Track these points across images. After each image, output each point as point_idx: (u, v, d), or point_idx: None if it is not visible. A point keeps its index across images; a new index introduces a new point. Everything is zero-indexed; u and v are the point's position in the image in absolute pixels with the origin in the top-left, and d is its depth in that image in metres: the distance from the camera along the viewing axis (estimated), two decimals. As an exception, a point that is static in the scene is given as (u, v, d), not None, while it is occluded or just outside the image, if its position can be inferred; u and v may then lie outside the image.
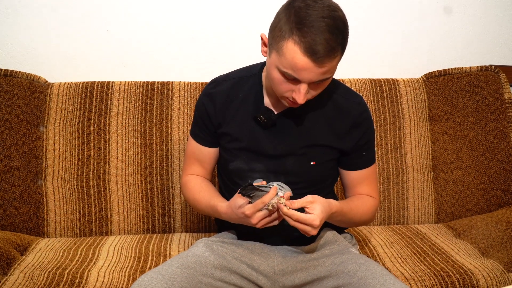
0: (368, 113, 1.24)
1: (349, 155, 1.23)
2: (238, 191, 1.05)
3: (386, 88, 1.72)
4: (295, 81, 1.05)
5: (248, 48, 1.62)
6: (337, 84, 1.23)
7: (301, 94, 1.04)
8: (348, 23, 1.04)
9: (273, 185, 1.06)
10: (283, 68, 1.04)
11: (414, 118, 1.71)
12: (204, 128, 1.27)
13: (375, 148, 1.38)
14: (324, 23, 0.99)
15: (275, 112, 1.19)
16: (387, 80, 1.73)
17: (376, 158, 1.62)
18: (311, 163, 1.20)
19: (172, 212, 1.63)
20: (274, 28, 1.06)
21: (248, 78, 1.23)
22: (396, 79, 1.74)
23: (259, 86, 1.22)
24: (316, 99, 1.15)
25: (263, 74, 1.21)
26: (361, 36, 1.81)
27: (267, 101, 1.22)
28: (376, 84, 1.72)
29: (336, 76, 1.28)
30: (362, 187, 1.26)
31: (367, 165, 1.26)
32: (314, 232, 1.05)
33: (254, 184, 1.05)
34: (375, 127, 1.64)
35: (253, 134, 1.18)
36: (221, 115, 1.24)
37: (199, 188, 1.26)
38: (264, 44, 1.12)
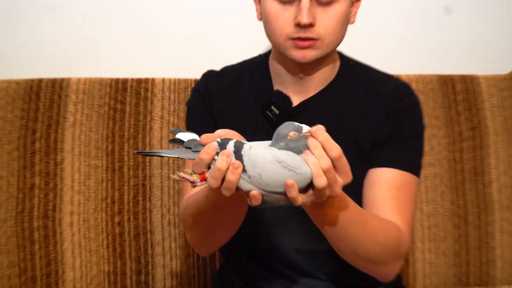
0: (413, 98, 1.21)
1: (379, 148, 1.18)
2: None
3: (462, 89, 1.58)
4: (293, 3, 1.11)
5: (254, 32, 1.45)
6: (372, 70, 1.24)
7: (303, 11, 1.08)
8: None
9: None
10: None
11: (502, 131, 1.59)
12: (205, 123, 1.25)
13: (422, 159, 1.23)
14: None
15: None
16: (463, 76, 1.59)
17: (449, 189, 1.54)
18: None
19: (150, 267, 1.51)
20: None
21: (251, 70, 1.26)
22: (475, 75, 1.60)
23: (267, 75, 1.23)
24: (343, 86, 1.19)
25: (270, 62, 1.23)
26: (426, 18, 1.71)
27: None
28: (447, 82, 1.58)
29: (390, 70, 1.27)
30: (386, 204, 1.15)
31: (400, 166, 1.17)
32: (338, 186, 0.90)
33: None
34: (446, 143, 1.55)
35: (260, 138, 1.05)
36: (219, 112, 1.24)
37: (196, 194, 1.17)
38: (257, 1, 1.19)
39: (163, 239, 1.49)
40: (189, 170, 0.90)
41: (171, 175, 0.93)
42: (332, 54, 1.16)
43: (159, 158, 1.51)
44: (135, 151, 0.96)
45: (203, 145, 0.87)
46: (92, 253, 1.49)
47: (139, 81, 1.54)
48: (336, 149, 0.87)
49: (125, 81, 1.53)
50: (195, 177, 0.89)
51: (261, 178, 0.85)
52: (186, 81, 1.54)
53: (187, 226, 1.21)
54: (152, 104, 1.52)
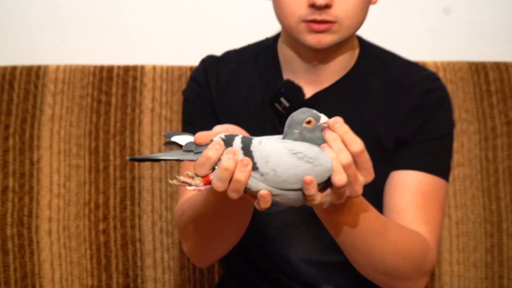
0: (442, 91, 1.20)
1: (402, 148, 1.17)
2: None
3: (496, 78, 1.54)
4: None
5: (259, 12, 1.46)
6: (396, 59, 1.24)
7: None
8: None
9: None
10: None
11: (542, 127, 1.56)
12: (204, 116, 1.24)
13: (451, 160, 1.23)
14: None
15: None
16: (497, 64, 1.54)
17: (481, 192, 1.50)
18: None
19: (140, 281, 1.48)
20: None
21: (257, 56, 1.25)
22: (511, 62, 1.56)
23: (275, 62, 1.22)
24: (362, 77, 1.19)
25: (278, 47, 1.22)
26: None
27: None
28: (479, 70, 1.54)
29: (414, 56, 1.31)
30: (409, 213, 1.15)
31: (427, 169, 1.16)
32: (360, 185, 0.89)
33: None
34: (477, 140, 1.52)
35: (266, 134, 1.07)
36: (220, 104, 1.22)
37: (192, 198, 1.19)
38: None
39: (154, 249, 1.46)
40: (190, 173, 0.86)
41: (169, 180, 0.92)
42: (351, 39, 1.13)
43: (150, 157, 1.48)
44: (128, 158, 0.94)
45: (206, 146, 0.86)
46: (74, 265, 1.46)
47: (126, 69, 1.50)
48: (357, 143, 0.85)
49: (110, 68, 1.49)
50: (197, 181, 0.86)
51: (276, 174, 0.84)
52: (180, 68, 1.49)
53: (183, 234, 1.19)
54: (141, 95, 1.49)
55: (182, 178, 0.85)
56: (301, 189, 0.84)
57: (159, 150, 1.49)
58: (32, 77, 1.48)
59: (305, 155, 0.83)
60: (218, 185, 0.84)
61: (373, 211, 1.02)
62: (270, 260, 1.18)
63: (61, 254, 1.45)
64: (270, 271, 1.17)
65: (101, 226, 1.45)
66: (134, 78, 1.49)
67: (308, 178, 0.84)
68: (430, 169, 1.15)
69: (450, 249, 1.48)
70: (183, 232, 1.18)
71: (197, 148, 0.85)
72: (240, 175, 0.83)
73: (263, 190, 0.84)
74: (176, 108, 1.47)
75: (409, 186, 1.15)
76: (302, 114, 0.86)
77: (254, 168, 0.83)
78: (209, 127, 1.17)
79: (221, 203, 1.01)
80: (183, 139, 0.88)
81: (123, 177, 1.47)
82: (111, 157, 1.48)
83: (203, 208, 1.07)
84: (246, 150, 0.85)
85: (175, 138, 0.87)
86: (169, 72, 1.50)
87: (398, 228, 1.09)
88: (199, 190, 0.86)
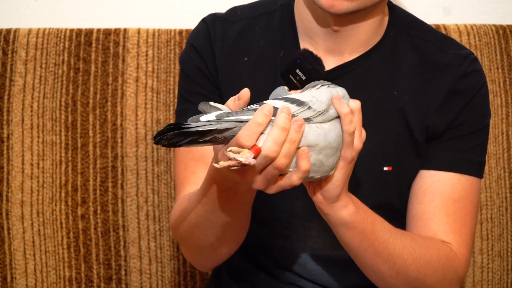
0: (480, 74, 1.16)
1: (434, 143, 1.15)
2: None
3: None
4: None
5: None
6: (429, 31, 1.22)
7: None
8: None
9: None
10: None
11: None
12: (204, 94, 1.20)
13: (486, 154, 1.21)
14: None
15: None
16: None
17: (507, 173, 1.47)
18: (384, 168, 1.15)
19: (123, 273, 1.46)
20: None
21: (269, 15, 1.21)
22: None
23: (291, 25, 1.18)
24: (393, 51, 1.17)
25: (295, 3, 1.19)
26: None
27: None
28: (507, 34, 1.51)
29: (435, 19, 1.36)
30: (437, 222, 1.14)
31: (462, 169, 1.14)
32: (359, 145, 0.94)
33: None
34: (504, 114, 1.49)
35: None
36: (224, 73, 1.19)
37: (188, 196, 1.17)
38: None
39: (139, 237, 1.44)
40: (234, 148, 0.87)
41: (215, 164, 0.92)
42: (379, 6, 1.08)
43: (133, 132, 1.48)
44: (155, 138, 0.87)
45: (238, 113, 0.89)
46: (49, 255, 1.45)
47: (107, 33, 1.47)
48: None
49: (89, 32, 1.47)
50: (246, 153, 0.86)
51: (321, 102, 0.90)
52: (168, 32, 1.46)
53: (182, 241, 1.19)
54: (124, 62, 1.46)
55: (230, 154, 0.85)
56: (338, 117, 0.89)
57: (145, 125, 1.47)
58: (1, 42, 1.44)
59: (328, 85, 0.93)
60: (274, 149, 0.85)
61: (384, 222, 1.03)
62: (272, 253, 1.18)
63: (35, 243, 1.43)
64: (270, 265, 1.17)
65: (80, 211, 1.43)
66: (116, 43, 1.46)
67: (335, 94, 0.91)
68: (465, 169, 1.13)
69: (472, 236, 1.42)
70: (181, 239, 1.18)
71: (229, 115, 0.87)
72: (295, 136, 0.86)
73: (303, 147, 0.87)
74: (164, 77, 1.45)
75: (440, 192, 1.13)
76: (281, 88, 0.95)
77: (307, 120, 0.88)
78: (204, 89, 1.16)
79: (224, 197, 1.01)
80: (214, 116, 0.90)
81: (104, 156, 1.44)
82: (90, 133, 1.45)
83: (203, 209, 1.06)
84: (294, 101, 0.89)
85: (205, 119, 0.89)
86: (155, 36, 1.46)
87: (409, 234, 1.10)
88: (249, 163, 0.87)
